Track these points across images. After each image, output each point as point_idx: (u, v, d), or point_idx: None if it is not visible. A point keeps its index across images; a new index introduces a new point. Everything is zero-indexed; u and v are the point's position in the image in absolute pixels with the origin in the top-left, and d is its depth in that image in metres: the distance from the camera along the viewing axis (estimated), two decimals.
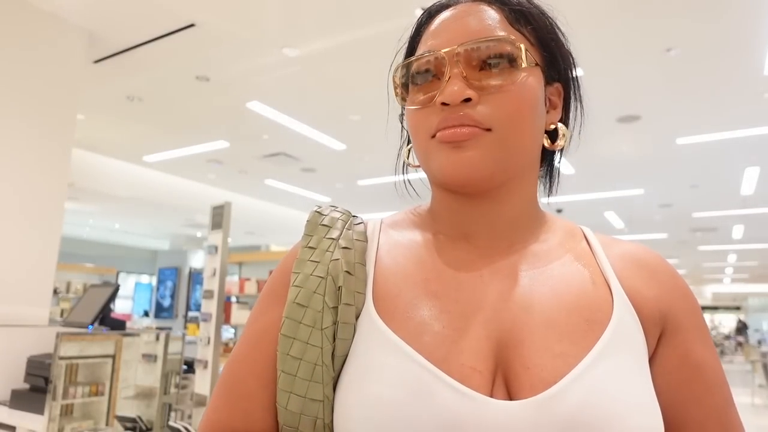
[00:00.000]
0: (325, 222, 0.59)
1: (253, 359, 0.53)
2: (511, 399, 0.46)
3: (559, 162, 0.66)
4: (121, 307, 13.97)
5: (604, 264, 0.56)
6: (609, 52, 3.84)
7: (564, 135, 0.59)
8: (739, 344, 19.29)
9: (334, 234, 0.57)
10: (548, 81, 0.58)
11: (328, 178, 7.74)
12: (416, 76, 0.55)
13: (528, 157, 0.56)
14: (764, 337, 18.16)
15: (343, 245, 0.56)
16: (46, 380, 2.48)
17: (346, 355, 0.51)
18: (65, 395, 2.57)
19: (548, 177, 0.66)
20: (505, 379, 0.47)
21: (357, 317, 0.52)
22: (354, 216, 0.62)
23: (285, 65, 4.17)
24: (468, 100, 0.51)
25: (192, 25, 3.63)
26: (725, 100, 4.57)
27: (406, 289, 0.53)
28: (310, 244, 0.57)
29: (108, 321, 3.17)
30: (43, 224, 3.20)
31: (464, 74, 0.52)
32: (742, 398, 8.78)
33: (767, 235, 10.95)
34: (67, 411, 2.65)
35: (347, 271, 0.53)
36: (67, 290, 11.40)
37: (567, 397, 0.44)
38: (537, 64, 0.55)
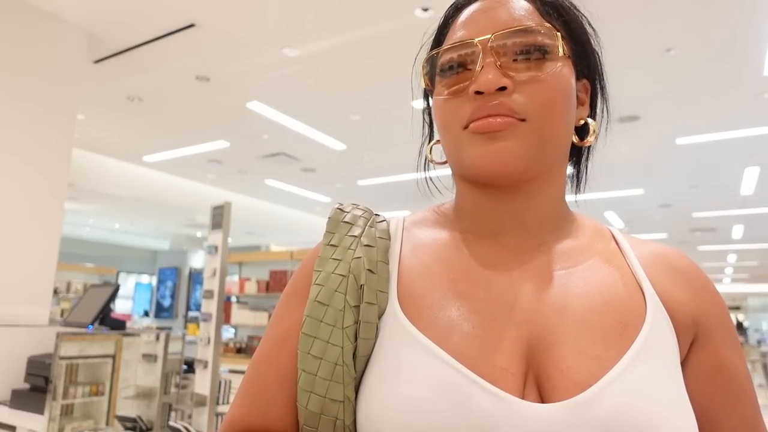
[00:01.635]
0: (347, 219, 0.58)
1: (275, 358, 0.53)
2: (543, 402, 0.44)
3: (586, 160, 0.65)
4: (121, 307, 13.97)
5: (635, 265, 0.55)
6: (609, 52, 3.82)
7: (594, 131, 0.58)
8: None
9: (356, 231, 0.56)
10: (577, 76, 0.57)
11: (328, 178, 7.74)
12: (446, 67, 0.54)
13: (560, 150, 0.55)
14: (764, 337, 18.15)
15: (366, 243, 0.55)
16: (47, 380, 2.48)
17: (369, 356, 0.50)
18: (65, 395, 2.57)
19: (576, 175, 0.65)
20: (536, 382, 0.46)
21: (380, 317, 0.51)
22: (376, 214, 0.60)
23: (285, 65, 4.17)
24: (503, 88, 0.50)
25: (192, 25, 3.63)
26: (725, 100, 4.57)
27: (432, 289, 0.52)
28: (332, 242, 0.56)
29: (108, 321, 3.18)
30: (43, 224, 3.20)
31: (499, 63, 0.51)
32: None
33: (767, 235, 10.95)
34: (67, 411, 2.65)
35: (369, 270, 0.52)
36: (68, 290, 11.40)
37: (602, 400, 0.43)
38: (569, 57, 0.54)
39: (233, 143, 6.28)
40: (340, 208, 0.59)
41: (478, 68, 0.51)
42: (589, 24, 0.59)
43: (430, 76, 0.56)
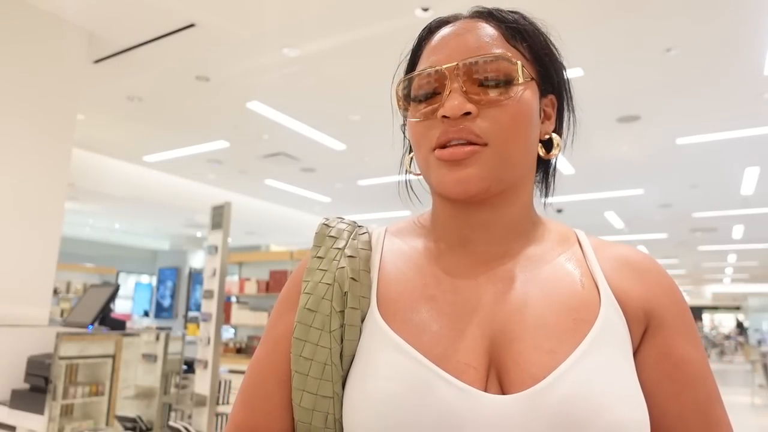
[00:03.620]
0: (332, 233, 0.63)
1: (271, 362, 0.58)
2: (504, 393, 0.49)
3: (554, 168, 0.69)
4: (121, 307, 13.97)
5: (594, 266, 0.59)
6: (609, 52, 3.84)
7: (558, 145, 0.62)
8: (740, 344, 19.30)
9: (341, 244, 0.61)
10: (543, 93, 0.60)
11: (328, 178, 7.74)
12: (419, 90, 0.58)
13: (522, 168, 0.59)
14: (764, 337, 18.16)
15: (349, 254, 0.60)
16: (46, 380, 2.48)
17: (354, 355, 0.55)
18: (65, 395, 2.57)
19: (544, 182, 0.69)
20: (498, 375, 0.51)
21: (363, 320, 0.56)
22: (360, 226, 0.66)
23: (285, 65, 4.17)
24: (468, 113, 0.54)
25: (192, 25, 3.63)
26: (725, 100, 4.57)
27: (406, 294, 0.57)
28: (318, 254, 0.61)
29: (108, 321, 3.17)
30: (43, 224, 3.20)
31: (464, 89, 0.55)
32: (742, 398, 8.79)
33: (767, 235, 10.95)
34: (67, 411, 2.65)
35: (352, 278, 0.58)
36: (67, 290, 11.39)
37: (554, 390, 0.48)
38: (532, 79, 0.58)
39: (233, 143, 6.28)
40: (325, 224, 0.65)
41: (446, 93, 0.55)
42: (552, 45, 0.63)
43: (405, 98, 0.60)
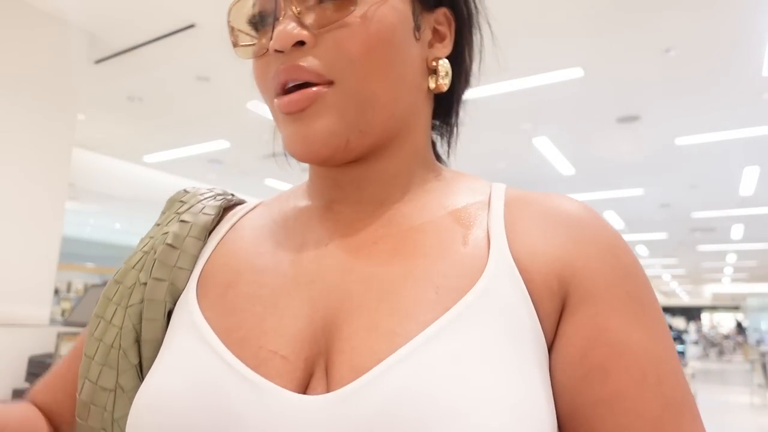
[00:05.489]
0: (185, 198, 0.52)
1: (81, 338, 0.48)
2: (329, 391, 0.35)
3: (456, 111, 0.53)
4: None
5: (495, 221, 0.42)
6: (608, 52, 3.85)
7: (447, 73, 0.47)
8: (739, 344, 19.31)
9: (183, 208, 0.50)
10: (426, 6, 0.46)
11: None
12: (252, 17, 0.44)
13: (396, 107, 0.44)
14: (763, 337, 18.16)
15: (183, 219, 0.49)
16: None
17: (161, 341, 0.43)
18: None
19: (445, 126, 0.54)
20: (326, 368, 0.37)
21: (176, 297, 0.44)
22: (232, 195, 0.55)
23: None
24: (301, 43, 0.40)
25: (192, 25, 3.64)
26: (725, 100, 4.58)
27: (231, 266, 0.44)
28: (158, 221, 0.51)
29: None
30: (43, 224, 3.20)
31: (297, 10, 0.41)
32: (741, 398, 8.79)
33: (766, 235, 10.95)
34: None
35: (169, 244, 0.46)
36: (68, 290, 11.39)
37: (374, 390, 0.33)
38: None
39: (233, 143, 6.28)
40: (184, 190, 0.54)
41: (279, 19, 0.41)
42: None
43: (236, 32, 0.46)
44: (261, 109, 5.14)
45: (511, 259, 0.39)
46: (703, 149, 5.78)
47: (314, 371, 0.36)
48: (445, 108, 0.52)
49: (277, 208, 0.51)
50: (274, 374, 0.36)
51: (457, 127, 0.53)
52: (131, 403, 0.39)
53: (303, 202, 0.50)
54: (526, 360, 0.35)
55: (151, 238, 0.48)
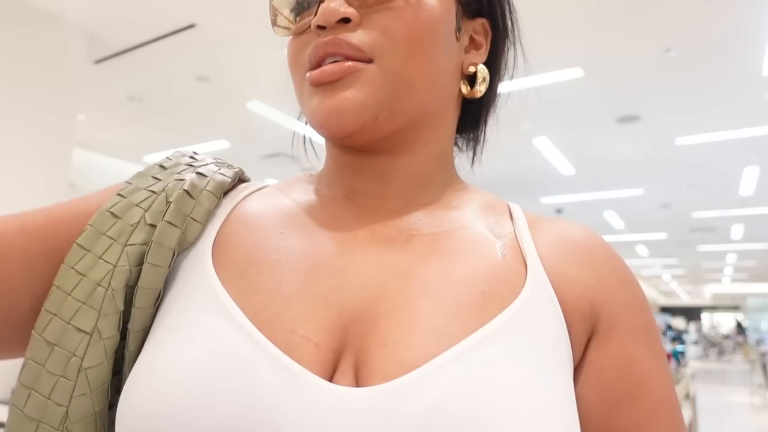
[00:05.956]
0: (196, 156, 0.49)
1: (43, 224, 0.41)
2: (358, 385, 0.33)
3: (485, 121, 0.53)
4: None
5: (525, 238, 0.43)
6: (608, 52, 3.85)
7: (485, 80, 0.47)
8: (738, 344, 19.33)
9: (196, 163, 0.47)
10: (468, 14, 0.46)
11: None
12: (301, 1, 0.44)
13: (428, 97, 0.43)
14: (763, 337, 18.17)
15: (200, 172, 0.45)
16: None
17: (159, 299, 0.39)
18: None
19: (473, 137, 0.54)
20: (356, 360, 0.35)
21: (183, 250, 0.41)
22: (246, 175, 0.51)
23: (285, 65, 4.16)
24: (347, 20, 0.40)
25: (192, 25, 3.64)
26: (724, 101, 4.58)
27: (250, 242, 0.41)
28: (163, 164, 0.47)
29: None
30: None
31: None
32: (740, 397, 8.80)
33: (766, 235, 10.96)
34: None
35: (187, 191, 0.42)
36: None
37: (427, 387, 0.32)
38: None
39: (233, 143, 6.29)
40: (193, 151, 0.51)
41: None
42: None
43: (279, 13, 0.45)
44: (261, 109, 5.15)
45: (547, 278, 0.40)
46: (703, 149, 5.78)
47: (339, 363, 0.35)
48: (469, 120, 0.52)
49: (289, 191, 0.49)
50: (307, 362, 0.33)
51: (485, 135, 0.54)
52: (105, 354, 0.36)
53: (320, 188, 0.48)
54: (565, 374, 0.37)
55: (158, 180, 0.44)
